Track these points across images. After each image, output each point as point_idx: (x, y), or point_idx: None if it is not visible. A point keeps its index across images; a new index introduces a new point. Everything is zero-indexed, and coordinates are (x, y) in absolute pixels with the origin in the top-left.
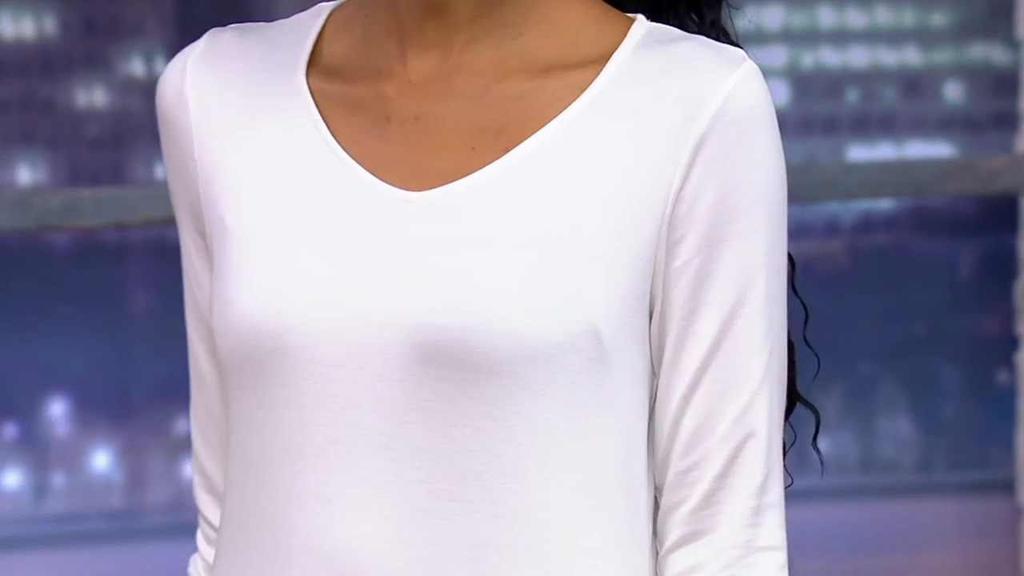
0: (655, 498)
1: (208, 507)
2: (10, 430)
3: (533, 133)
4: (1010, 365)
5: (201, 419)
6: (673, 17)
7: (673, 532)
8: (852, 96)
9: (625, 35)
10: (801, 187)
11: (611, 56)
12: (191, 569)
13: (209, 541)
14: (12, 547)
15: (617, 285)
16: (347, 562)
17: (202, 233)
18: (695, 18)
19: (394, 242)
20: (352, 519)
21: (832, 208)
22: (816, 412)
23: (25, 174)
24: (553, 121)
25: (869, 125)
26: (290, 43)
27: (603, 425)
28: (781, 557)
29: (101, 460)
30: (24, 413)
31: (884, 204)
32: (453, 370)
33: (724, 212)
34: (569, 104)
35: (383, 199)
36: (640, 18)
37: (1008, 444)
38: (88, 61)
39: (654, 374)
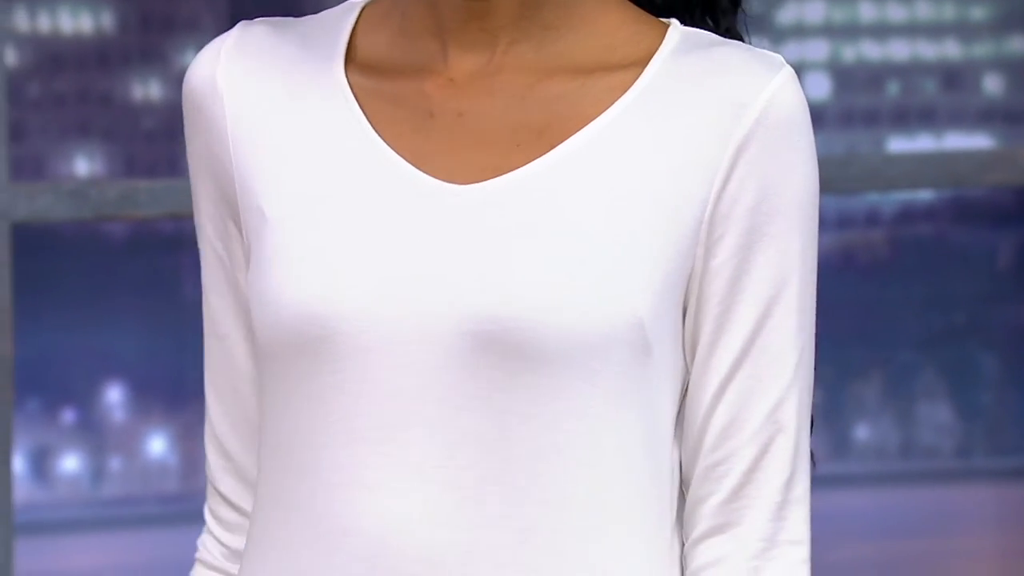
0: (680, 490)
1: (228, 485)
2: (68, 416)
3: (576, 132)
4: None
5: (223, 389)
6: (688, 23)
7: (700, 524)
8: (892, 89)
9: (661, 38)
10: (842, 178)
11: (650, 59)
12: (203, 553)
13: (223, 523)
14: (70, 530)
15: (658, 280)
16: (394, 546)
17: (236, 220)
18: (710, 23)
19: (441, 233)
20: (399, 505)
21: (873, 199)
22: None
23: (83, 166)
24: (595, 120)
25: (909, 117)
26: (323, 38)
27: (640, 415)
28: (804, 551)
29: (157, 445)
30: (82, 399)
31: (924, 195)
32: (505, 359)
33: (763, 213)
34: (611, 104)
35: (428, 191)
36: (674, 22)
37: None
38: (144, 56)
39: (686, 368)
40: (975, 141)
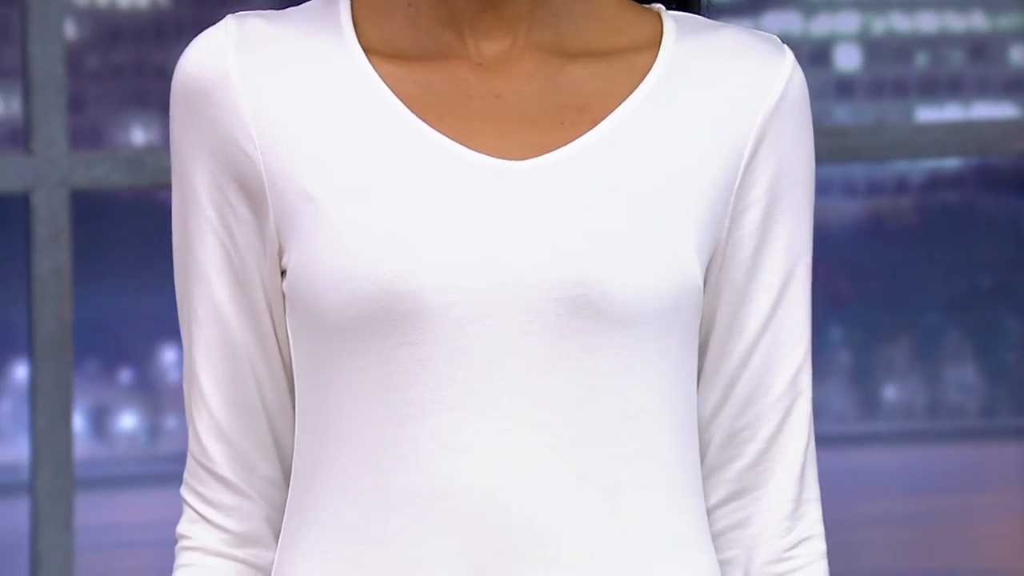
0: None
1: (232, 471)
2: (126, 376)
3: (613, 109)
4: None
5: (222, 374)
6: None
7: (720, 490)
8: (921, 60)
9: (658, 22)
10: (872, 146)
11: (658, 41)
12: (195, 541)
13: (221, 509)
14: (127, 485)
15: (705, 244)
16: (487, 507)
17: (254, 205)
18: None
19: (508, 206)
20: (490, 467)
21: (901, 166)
22: None
23: (139, 135)
24: (629, 98)
25: (937, 87)
26: (322, 29)
27: (690, 373)
28: (819, 507)
29: None
30: (138, 360)
31: (951, 162)
32: (593, 321)
33: (781, 187)
34: (638, 83)
35: (482, 168)
36: (661, 7)
37: None
38: (198, 29)
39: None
40: (1001, 110)
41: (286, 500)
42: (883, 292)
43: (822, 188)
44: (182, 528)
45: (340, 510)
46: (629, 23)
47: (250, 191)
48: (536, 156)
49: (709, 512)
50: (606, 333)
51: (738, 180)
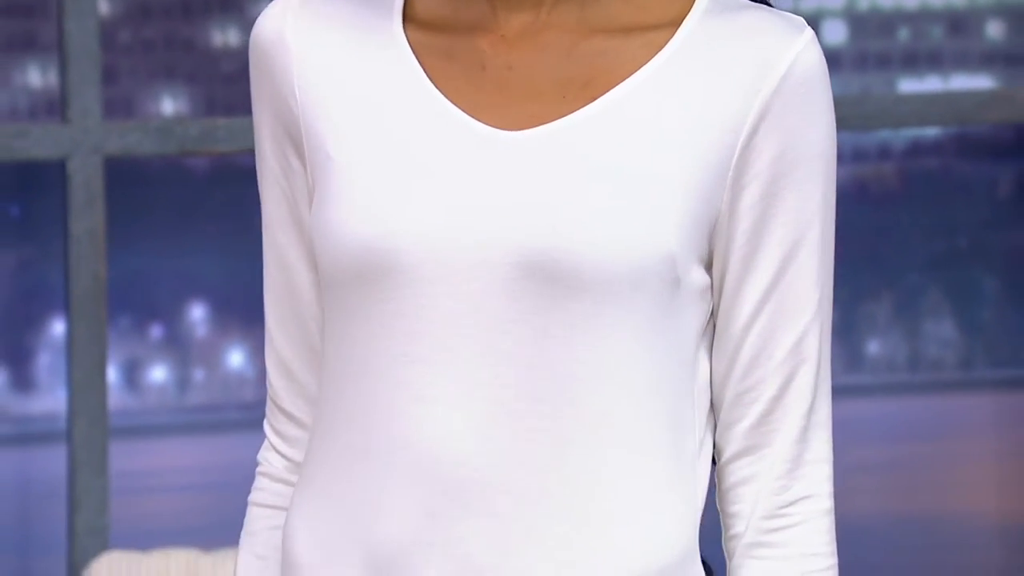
0: (711, 412)
1: (294, 404)
2: (156, 331)
3: (616, 85)
4: None
5: (287, 316)
6: None
7: (731, 446)
8: (903, 34)
9: (690, 1)
10: (857, 116)
11: (683, 19)
12: (266, 467)
13: (286, 439)
14: (158, 434)
15: (688, 218)
16: (444, 454)
17: (301, 157)
18: None
19: (492, 175)
20: (450, 417)
21: (884, 135)
22: None
23: (168, 105)
24: (634, 75)
25: (918, 60)
26: None
27: (669, 339)
28: (827, 468)
29: (236, 358)
30: (168, 317)
31: (931, 131)
32: (547, 286)
33: (786, 163)
34: (648, 60)
35: (481, 137)
36: None
37: None
38: (223, 5)
39: (712, 302)
40: (978, 82)
41: None
42: (867, 252)
43: None
44: (259, 455)
45: (329, 453)
46: (659, 1)
47: (297, 146)
48: (533, 127)
49: (722, 467)
50: (558, 298)
51: (736, 156)
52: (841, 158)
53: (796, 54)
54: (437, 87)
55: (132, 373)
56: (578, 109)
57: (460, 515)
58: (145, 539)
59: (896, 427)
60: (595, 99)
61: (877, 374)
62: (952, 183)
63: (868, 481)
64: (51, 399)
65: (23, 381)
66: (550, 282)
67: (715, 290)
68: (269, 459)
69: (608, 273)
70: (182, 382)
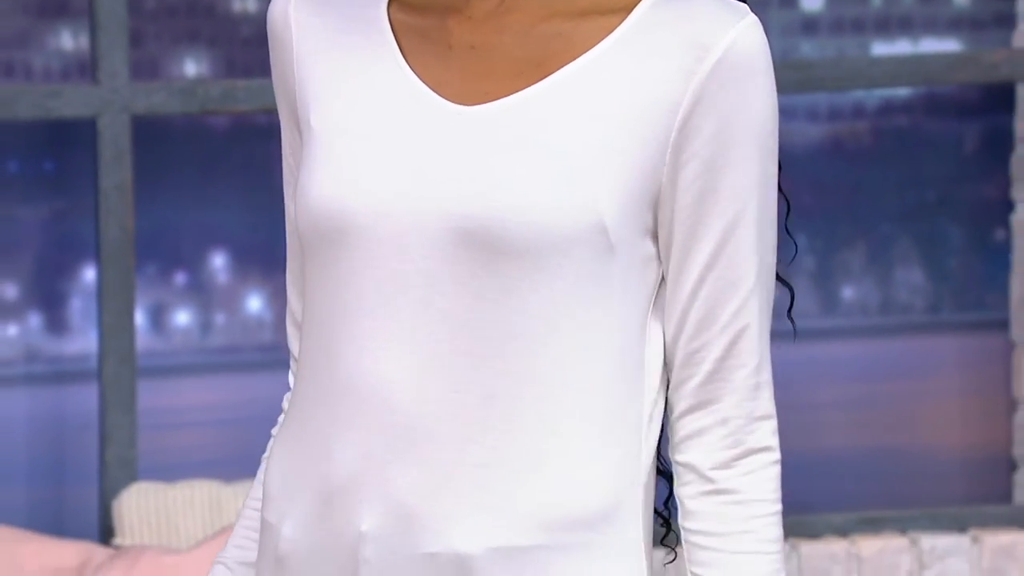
0: (663, 371)
1: (297, 348)
2: (180, 278)
3: (566, 64)
4: (1006, 225)
5: (296, 276)
6: None
7: (682, 403)
8: (876, 0)
9: None
10: (833, 78)
11: (635, 5)
12: (286, 403)
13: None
14: (182, 373)
15: (623, 192)
16: (384, 397)
17: (299, 128)
18: None
19: (445, 146)
20: (391, 367)
21: (859, 95)
22: (791, 288)
23: (191, 67)
24: (583, 56)
25: (890, 25)
26: None
27: (605, 306)
28: (774, 423)
29: (255, 303)
30: (191, 265)
31: (902, 91)
32: (480, 251)
33: (723, 142)
34: (598, 43)
35: (441, 111)
36: None
37: (1003, 290)
38: None
39: (660, 269)
40: (946, 45)
41: None
42: (842, 205)
43: (789, 114)
44: (285, 396)
45: (299, 399)
46: None
47: (297, 120)
48: (487, 102)
49: (674, 422)
50: (489, 262)
51: (673, 135)
52: (817, 117)
53: (732, 39)
54: (409, 64)
55: (158, 317)
56: (528, 87)
57: (391, 458)
58: (170, 471)
59: (868, 367)
60: (546, 78)
61: (851, 318)
62: (921, 140)
63: (842, 416)
64: (83, 341)
65: (57, 324)
66: (483, 247)
67: (663, 260)
68: (288, 396)
69: (536, 240)
70: (204, 325)
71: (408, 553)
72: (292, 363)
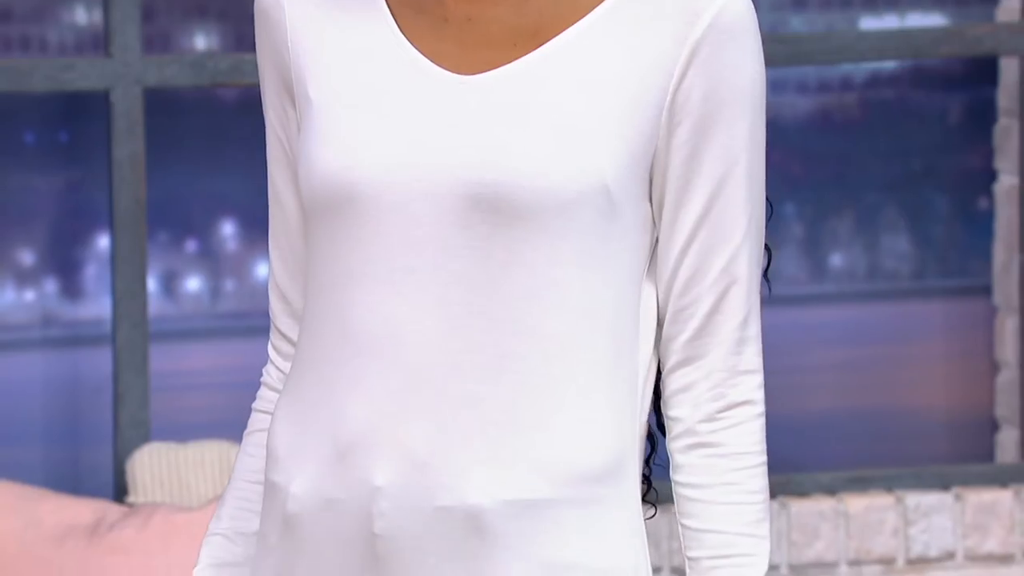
0: (656, 331)
1: (285, 324)
2: (191, 245)
3: (561, 33)
4: (989, 193)
5: (283, 247)
6: None
7: (672, 357)
8: None
9: None
10: (822, 51)
11: None
12: (266, 378)
13: (281, 354)
14: (192, 338)
15: (623, 154)
16: (397, 356)
17: (294, 105)
18: None
19: (447, 114)
20: (404, 329)
21: (847, 68)
22: (769, 251)
23: (201, 40)
24: (577, 24)
25: (877, 0)
26: None
27: (607, 264)
28: (758, 378)
29: (263, 269)
30: (202, 232)
31: (889, 64)
32: (489, 215)
33: (714, 103)
34: (590, 11)
35: (440, 81)
36: None
37: (986, 256)
38: None
39: (655, 230)
40: (932, 19)
41: None
42: (830, 174)
43: (779, 87)
44: (263, 370)
45: (305, 363)
46: None
47: (291, 94)
48: (485, 72)
49: (664, 377)
50: (498, 226)
51: (668, 98)
52: (806, 89)
53: (721, 4)
54: (406, 36)
55: (169, 283)
56: (526, 55)
57: (405, 414)
58: (182, 432)
59: (856, 331)
60: (542, 46)
61: (839, 283)
62: (907, 112)
63: (830, 379)
64: (97, 306)
65: (72, 290)
66: (493, 211)
67: (656, 220)
68: (269, 372)
69: (543, 203)
70: (214, 291)
71: (423, 506)
72: (274, 335)
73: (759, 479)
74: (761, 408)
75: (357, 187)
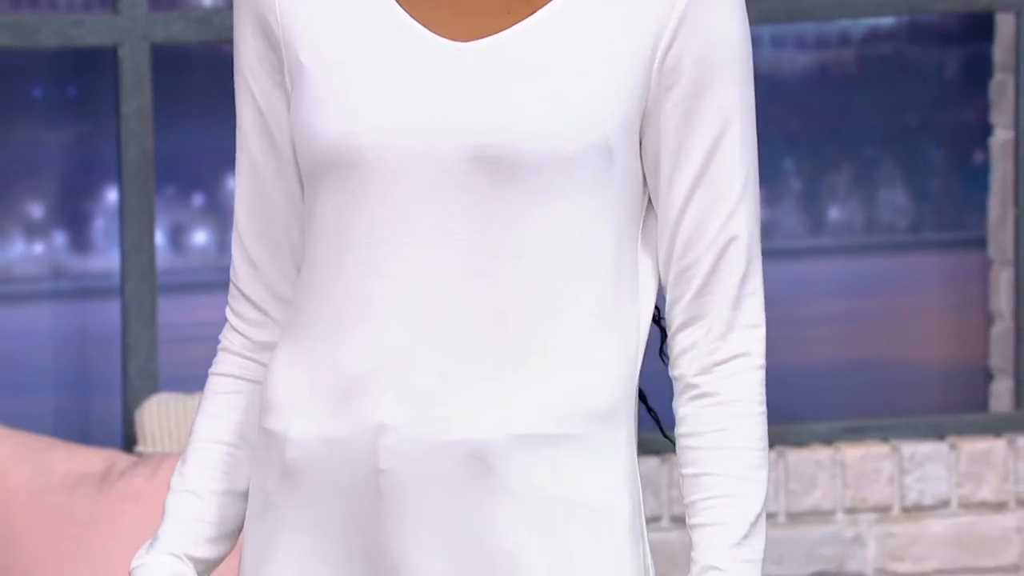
0: (651, 291)
1: (250, 287)
2: (198, 199)
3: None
4: (985, 147)
5: (255, 214)
6: None
7: (678, 319)
8: None
9: None
10: (820, 7)
11: None
12: (226, 343)
13: (244, 319)
14: (200, 290)
15: (621, 114)
16: (400, 314)
17: (280, 72)
18: None
19: (445, 80)
20: (403, 290)
21: (845, 24)
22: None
23: None
24: None
25: None
26: None
27: (604, 221)
28: (759, 332)
29: None
30: (209, 186)
31: (886, 20)
32: (490, 177)
33: (705, 66)
34: None
35: (436, 47)
36: None
37: (982, 209)
38: None
39: (645, 194)
40: None
41: None
42: (828, 129)
43: (778, 43)
44: (220, 336)
45: (305, 320)
46: None
47: (279, 60)
48: (480, 38)
49: (671, 338)
50: (499, 187)
51: (658, 61)
52: (805, 45)
53: None
54: (400, 4)
55: (177, 236)
56: (520, 22)
57: (409, 357)
58: (190, 382)
59: (853, 283)
60: (534, 12)
61: (837, 237)
62: (904, 67)
63: (828, 331)
64: (106, 259)
65: (81, 243)
66: (493, 173)
67: (651, 183)
68: (228, 337)
69: (544, 163)
70: (221, 244)
71: (429, 441)
72: (236, 299)
73: (757, 428)
74: (760, 360)
75: (360, 152)
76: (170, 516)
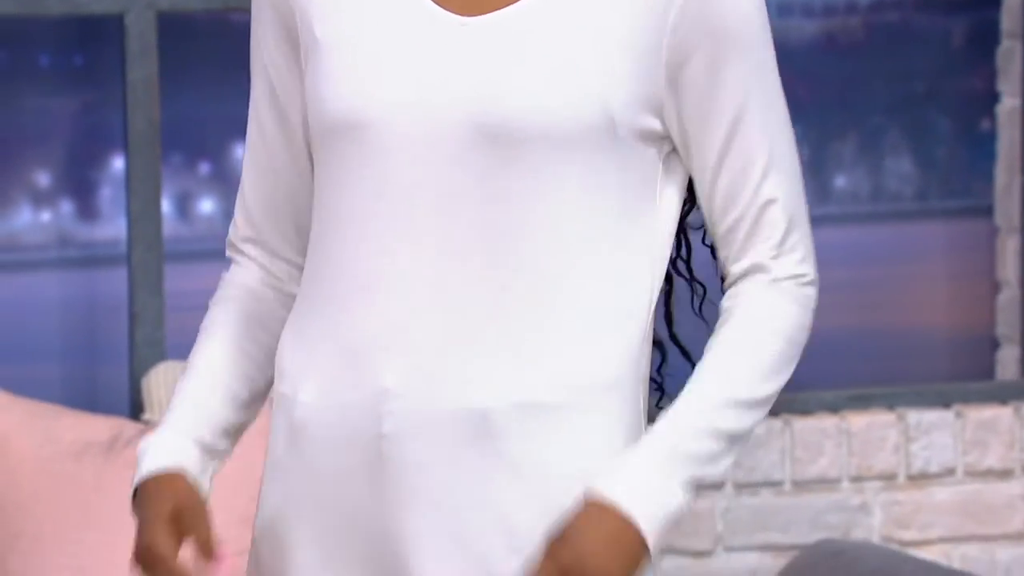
0: (664, 260)
1: (250, 243)
2: (204, 168)
3: None
4: (991, 115)
5: (262, 187)
6: None
7: (727, 279)
8: None
9: None
10: None
11: None
12: (227, 278)
13: (248, 256)
14: (206, 258)
15: (624, 92)
16: (403, 288)
17: (292, 43)
18: None
19: (452, 55)
20: (405, 264)
21: None
22: (689, 244)
23: None
24: None
25: None
26: None
27: (606, 198)
28: (803, 279)
29: None
30: (215, 155)
31: None
32: (494, 152)
33: (719, 39)
34: None
35: (444, 22)
36: None
37: (988, 177)
38: None
39: (658, 159)
40: None
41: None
42: (835, 97)
43: (785, 11)
44: (220, 282)
45: (312, 289)
46: None
47: (293, 37)
48: (488, 13)
49: (725, 291)
50: (501, 163)
51: (666, 37)
52: (812, 13)
53: None
54: None
55: (183, 205)
56: None
57: (414, 325)
58: None
59: (860, 252)
60: None
61: (844, 205)
62: (911, 35)
63: (836, 299)
64: (112, 227)
65: (88, 211)
66: (495, 148)
67: (683, 156)
68: (232, 269)
69: (548, 138)
70: (228, 213)
71: (432, 407)
72: (235, 249)
73: (780, 342)
74: (805, 291)
75: (366, 126)
76: (175, 402)
